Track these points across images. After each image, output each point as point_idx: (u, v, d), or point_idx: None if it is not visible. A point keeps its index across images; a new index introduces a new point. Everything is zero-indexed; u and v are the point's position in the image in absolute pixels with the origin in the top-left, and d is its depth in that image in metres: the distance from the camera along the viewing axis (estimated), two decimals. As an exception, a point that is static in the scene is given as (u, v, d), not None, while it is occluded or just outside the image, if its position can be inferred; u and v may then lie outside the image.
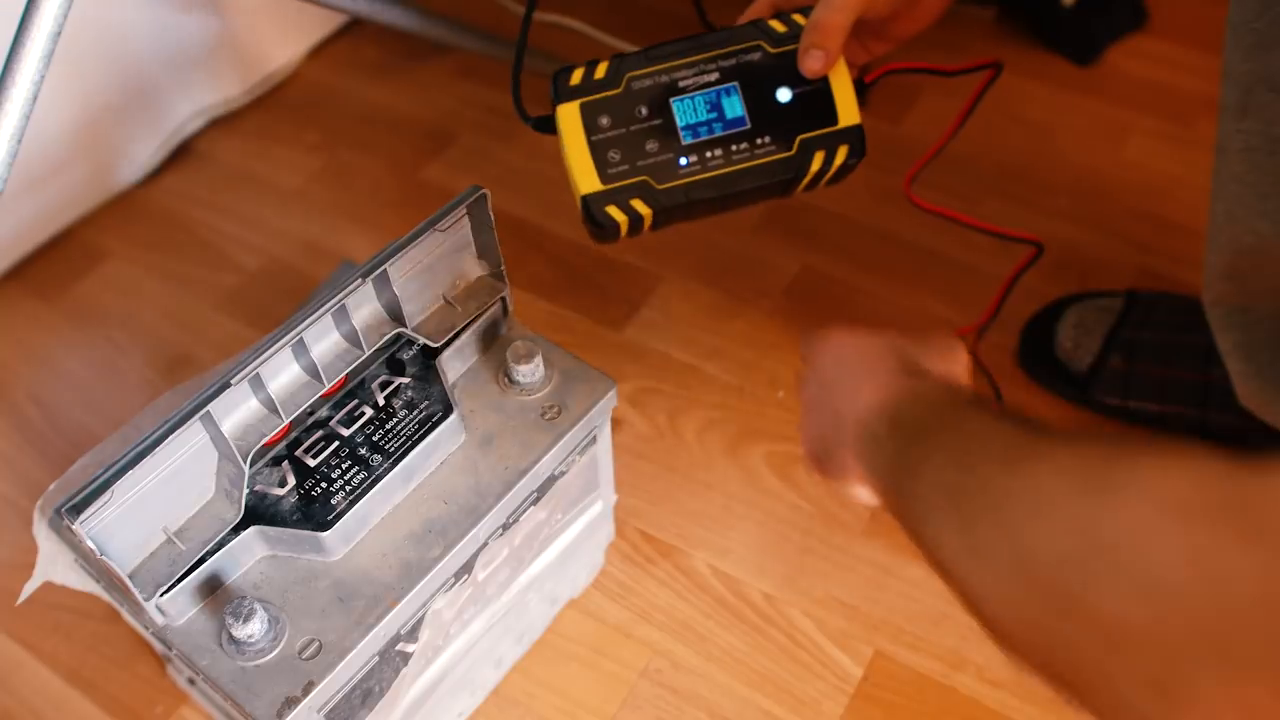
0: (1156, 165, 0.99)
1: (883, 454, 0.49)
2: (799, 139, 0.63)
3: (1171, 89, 1.05)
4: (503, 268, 0.60)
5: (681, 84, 0.63)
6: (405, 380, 0.58)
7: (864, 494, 0.55)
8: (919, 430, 0.47)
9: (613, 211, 0.62)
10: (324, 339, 0.55)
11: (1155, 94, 1.05)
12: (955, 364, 0.56)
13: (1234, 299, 0.67)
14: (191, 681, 0.68)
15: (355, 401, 0.57)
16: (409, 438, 0.55)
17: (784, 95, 0.63)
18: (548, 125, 0.63)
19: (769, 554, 0.74)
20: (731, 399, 0.83)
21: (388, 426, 0.55)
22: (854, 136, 0.63)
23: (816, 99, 0.63)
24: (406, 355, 0.59)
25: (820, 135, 0.63)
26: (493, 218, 0.57)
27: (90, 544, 0.46)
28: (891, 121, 1.04)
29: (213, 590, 0.52)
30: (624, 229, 0.63)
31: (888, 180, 0.75)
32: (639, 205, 0.62)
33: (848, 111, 0.63)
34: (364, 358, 0.55)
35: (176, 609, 0.50)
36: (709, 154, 0.62)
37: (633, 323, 0.89)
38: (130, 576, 0.49)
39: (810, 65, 0.61)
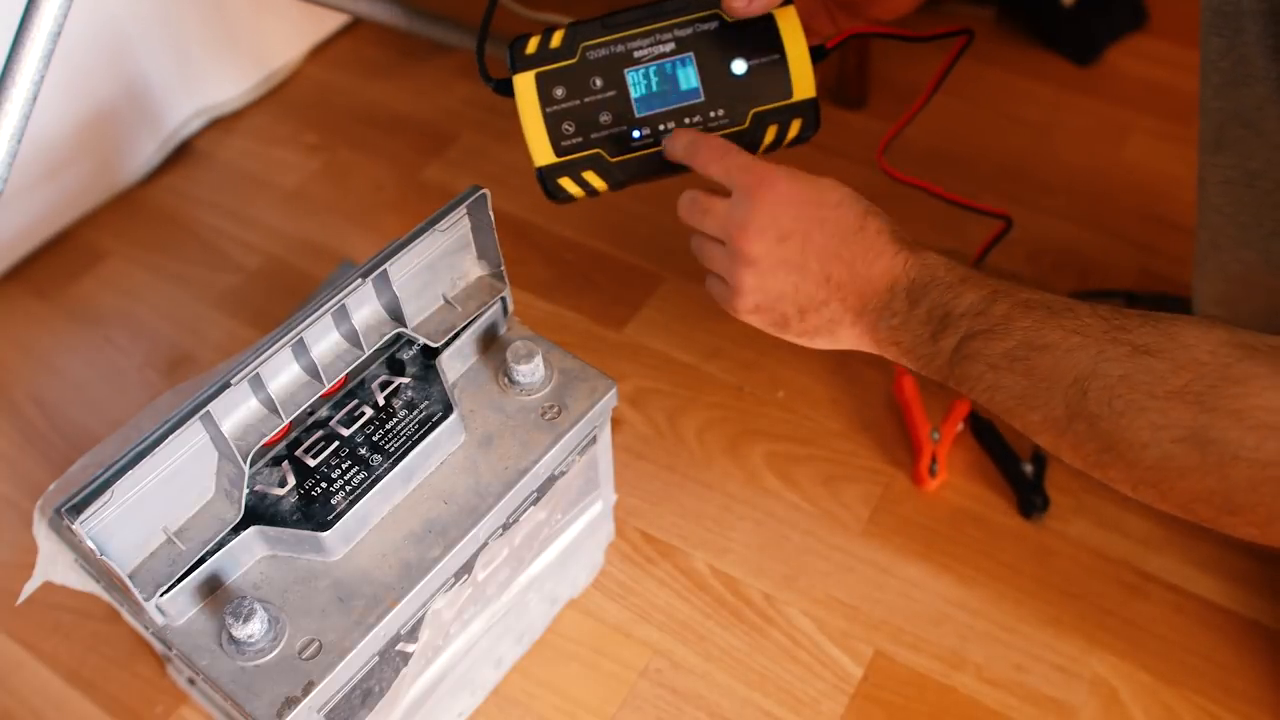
0: (1156, 165, 0.99)
1: (909, 328, 0.55)
2: (752, 113, 0.62)
3: (1171, 89, 1.05)
4: (503, 268, 0.60)
5: (637, 54, 0.62)
6: (405, 380, 0.58)
7: (824, 345, 0.59)
8: (949, 312, 0.53)
9: (566, 184, 0.62)
10: (324, 339, 0.55)
11: (1155, 94, 1.05)
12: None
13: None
14: (191, 681, 0.68)
15: (355, 401, 0.57)
16: (409, 438, 0.55)
17: (739, 67, 0.62)
18: (509, 88, 0.63)
19: (768, 554, 0.74)
20: (731, 399, 0.83)
21: (388, 426, 0.55)
22: (808, 110, 0.63)
23: (772, 71, 0.62)
24: (406, 355, 0.59)
25: (774, 109, 0.62)
26: (493, 218, 0.57)
27: (90, 544, 0.46)
28: (892, 121, 1.04)
29: (213, 590, 0.52)
30: (579, 198, 0.64)
31: (886, 179, 0.75)
32: (592, 178, 0.62)
33: (803, 85, 0.62)
34: (364, 358, 0.55)
35: (176, 609, 0.50)
36: (662, 127, 0.62)
37: (633, 323, 0.89)
38: (130, 576, 0.49)
39: (733, 2, 0.61)
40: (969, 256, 0.75)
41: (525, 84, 0.62)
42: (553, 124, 0.62)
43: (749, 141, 0.62)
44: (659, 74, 0.62)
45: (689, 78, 0.62)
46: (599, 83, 0.62)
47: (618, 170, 0.62)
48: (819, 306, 0.57)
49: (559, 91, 0.62)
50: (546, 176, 0.63)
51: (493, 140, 1.07)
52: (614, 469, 0.67)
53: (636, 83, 0.62)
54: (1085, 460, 0.50)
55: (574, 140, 0.62)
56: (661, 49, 0.62)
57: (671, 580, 0.74)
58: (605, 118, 0.62)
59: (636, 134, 0.62)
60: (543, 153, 0.62)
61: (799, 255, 0.56)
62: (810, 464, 0.79)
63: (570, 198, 0.63)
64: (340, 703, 0.51)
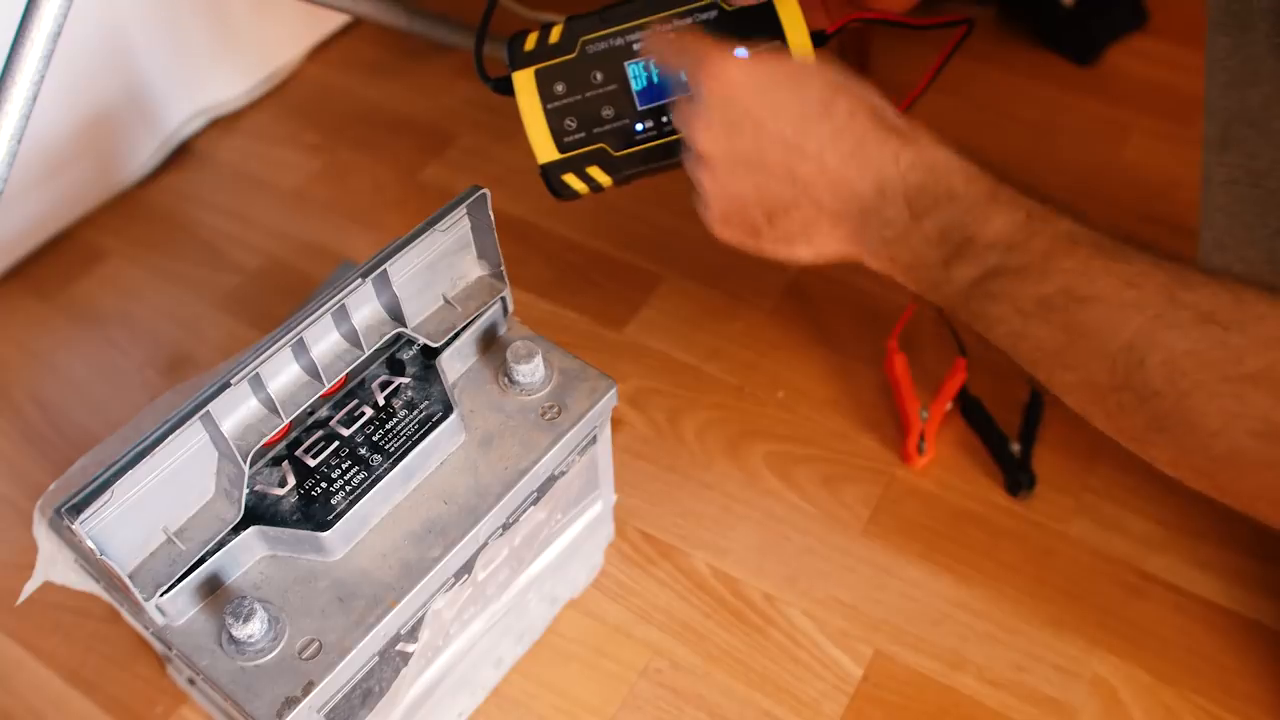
0: (1156, 165, 0.99)
1: (909, 244, 0.46)
2: None
3: (1171, 89, 1.05)
4: (503, 268, 0.60)
5: (636, 46, 0.62)
6: (405, 380, 0.58)
7: (807, 256, 0.51)
8: (970, 238, 0.45)
9: (570, 180, 0.62)
10: (324, 339, 0.55)
11: (1155, 94, 1.05)
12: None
13: None
14: (191, 681, 0.68)
15: (355, 401, 0.57)
16: (409, 438, 0.55)
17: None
18: (507, 87, 0.63)
19: (769, 554, 0.74)
20: (731, 399, 0.83)
21: (388, 426, 0.55)
22: None
23: None
24: (406, 355, 0.59)
25: None
26: (493, 218, 0.57)
27: (90, 544, 0.46)
28: (891, 121, 1.04)
29: (213, 590, 0.52)
30: (583, 194, 0.63)
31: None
32: (596, 174, 0.62)
33: None
34: (364, 358, 0.55)
35: (176, 609, 0.50)
36: (664, 119, 0.62)
37: (633, 323, 0.89)
38: (130, 576, 0.49)
39: None
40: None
41: (525, 81, 0.61)
42: (555, 120, 0.62)
43: None
44: (657, 68, 0.62)
45: None
46: (599, 77, 0.62)
47: (622, 164, 0.62)
48: (788, 208, 0.49)
49: (559, 87, 0.61)
50: (550, 173, 0.62)
51: (493, 140, 1.07)
52: (614, 469, 0.67)
53: (637, 75, 0.62)
54: (1123, 433, 0.44)
55: (577, 136, 0.62)
56: None
57: (671, 580, 0.74)
58: (607, 112, 0.62)
59: (640, 127, 0.62)
60: (546, 150, 0.62)
61: (753, 149, 0.48)
62: (810, 464, 0.79)
63: (575, 194, 0.63)
64: (340, 703, 0.51)
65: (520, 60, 0.62)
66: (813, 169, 0.47)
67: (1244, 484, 0.41)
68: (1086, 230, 0.45)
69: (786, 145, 0.48)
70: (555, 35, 0.62)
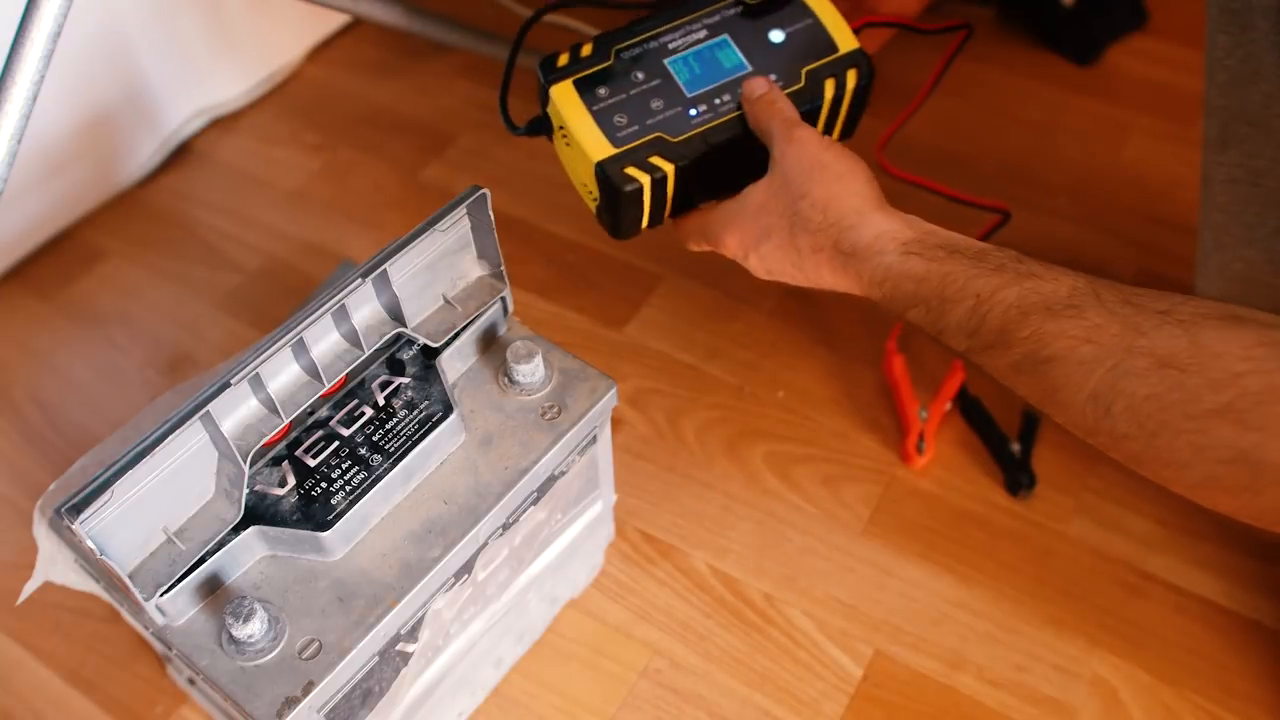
0: (1156, 165, 0.99)
1: (910, 322, 0.54)
2: (805, 70, 0.62)
3: (1171, 89, 1.05)
4: (503, 268, 0.60)
5: (672, 46, 0.62)
6: (405, 380, 0.58)
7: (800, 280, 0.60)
8: (941, 330, 0.52)
9: (633, 172, 0.60)
10: (324, 339, 0.55)
11: (1155, 94, 1.05)
12: None
13: None
14: (191, 681, 0.68)
15: (355, 401, 0.57)
16: (409, 438, 0.55)
17: (777, 36, 0.63)
18: (539, 125, 0.63)
19: (769, 554, 0.74)
20: (731, 399, 0.83)
21: (388, 426, 0.55)
22: (859, 59, 0.63)
23: (810, 33, 0.63)
24: (406, 355, 0.59)
25: (825, 64, 0.63)
26: (493, 218, 0.57)
27: (90, 544, 0.46)
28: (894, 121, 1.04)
29: (213, 590, 0.52)
30: (646, 201, 0.62)
31: (887, 181, 0.74)
32: (659, 161, 0.60)
33: (844, 38, 0.63)
34: (364, 358, 0.55)
35: (176, 609, 0.50)
36: (718, 100, 0.62)
37: (633, 323, 0.89)
38: (130, 576, 0.49)
39: None
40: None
41: (564, 91, 0.61)
42: (603, 120, 0.61)
43: (810, 97, 0.62)
44: (699, 59, 0.62)
45: (731, 56, 0.62)
46: (641, 76, 0.62)
47: (683, 148, 0.61)
48: (810, 281, 0.59)
49: (602, 90, 0.61)
50: (608, 169, 0.60)
51: (493, 140, 1.07)
52: (614, 469, 0.67)
53: (680, 70, 0.62)
54: (1120, 460, 0.46)
55: (630, 130, 0.61)
56: (695, 37, 0.63)
57: (671, 580, 0.74)
58: (657, 104, 0.61)
59: (694, 111, 0.62)
60: (599, 148, 0.60)
61: (760, 265, 0.61)
62: (810, 464, 0.79)
63: (637, 189, 0.61)
64: (340, 703, 0.51)
65: (555, 75, 0.61)
66: (806, 279, 0.59)
67: (1227, 505, 0.43)
68: (1036, 292, 0.48)
69: (781, 262, 0.59)
70: (587, 49, 0.62)
